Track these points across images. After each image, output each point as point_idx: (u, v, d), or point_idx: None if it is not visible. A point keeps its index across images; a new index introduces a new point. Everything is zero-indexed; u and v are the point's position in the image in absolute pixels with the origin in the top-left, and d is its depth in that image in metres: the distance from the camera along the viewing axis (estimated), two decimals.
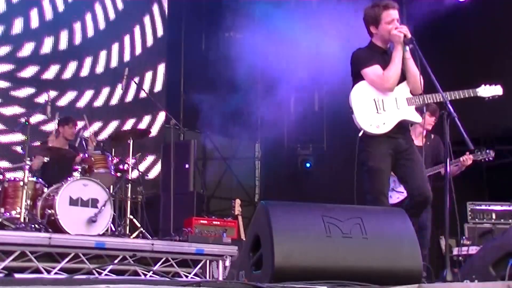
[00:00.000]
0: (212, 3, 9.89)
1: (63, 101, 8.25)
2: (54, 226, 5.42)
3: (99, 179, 5.86)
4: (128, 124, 8.80)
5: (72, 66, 8.46)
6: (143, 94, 8.81)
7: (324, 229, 3.03)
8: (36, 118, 7.09)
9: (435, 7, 8.07)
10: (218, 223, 7.05)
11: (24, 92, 7.91)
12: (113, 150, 6.59)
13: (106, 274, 4.90)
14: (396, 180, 4.71)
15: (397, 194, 5.59)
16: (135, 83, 8.04)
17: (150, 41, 9.40)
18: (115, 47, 8.96)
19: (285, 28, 8.09)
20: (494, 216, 7.13)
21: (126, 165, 6.51)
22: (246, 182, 10.37)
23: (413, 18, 7.91)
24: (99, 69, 8.75)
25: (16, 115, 7.68)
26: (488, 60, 8.01)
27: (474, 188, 8.33)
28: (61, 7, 8.42)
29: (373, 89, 4.22)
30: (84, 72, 8.59)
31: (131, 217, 6.24)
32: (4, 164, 7.24)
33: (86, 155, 6.21)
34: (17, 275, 4.25)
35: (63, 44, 8.41)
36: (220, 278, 5.30)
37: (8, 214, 5.61)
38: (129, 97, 8.95)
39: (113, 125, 8.70)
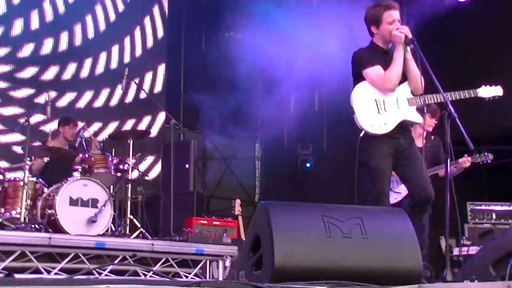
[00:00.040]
0: (212, 3, 9.89)
1: (62, 102, 8.25)
2: (54, 226, 5.41)
3: (99, 179, 5.86)
4: (128, 125, 8.79)
5: (71, 67, 8.46)
6: (143, 95, 8.81)
7: (324, 229, 3.03)
8: (35, 118, 7.08)
9: (435, 7, 8.07)
10: (218, 223, 7.05)
11: (24, 92, 7.91)
12: (113, 150, 6.59)
13: (106, 274, 4.89)
14: (394, 180, 4.72)
15: (395, 194, 5.60)
16: (135, 83, 8.03)
17: (150, 42, 9.40)
18: (115, 49, 8.96)
19: (285, 28, 8.09)
20: (494, 216, 7.12)
21: (126, 165, 6.51)
22: (246, 182, 10.38)
23: (413, 18, 7.92)
24: (99, 70, 8.75)
25: (15, 115, 7.68)
26: (488, 60, 8.01)
27: (474, 188, 8.33)
28: (61, 8, 8.42)
29: (374, 89, 4.22)
30: (84, 73, 8.59)
31: (131, 217, 6.25)
32: (4, 164, 7.23)
33: (86, 155, 6.21)
34: (17, 275, 4.25)
35: (63, 45, 8.41)
36: (220, 278, 5.30)
37: (8, 214, 5.61)
38: (129, 98, 8.95)
39: (112, 125, 8.69)
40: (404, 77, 4.25)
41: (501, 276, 3.35)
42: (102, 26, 8.87)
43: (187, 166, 8.20)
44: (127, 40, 9.12)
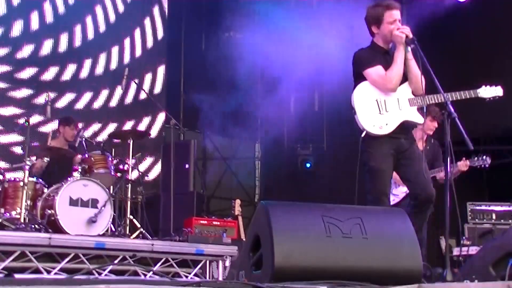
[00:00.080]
0: (212, 3, 9.88)
1: (62, 102, 8.24)
2: (54, 226, 5.41)
3: (99, 179, 5.85)
4: (128, 125, 8.78)
5: (71, 68, 8.45)
6: (143, 95, 8.81)
7: (324, 229, 3.02)
8: (35, 118, 7.08)
9: (435, 7, 8.06)
10: (218, 223, 7.05)
11: (23, 93, 7.91)
12: (113, 150, 6.59)
13: (106, 275, 4.89)
14: (392, 182, 4.71)
15: (393, 196, 5.61)
16: (135, 83, 8.03)
17: (150, 43, 9.39)
18: (115, 49, 8.95)
19: (285, 28, 8.09)
20: (494, 217, 7.13)
21: (126, 165, 6.51)
22: (246, 182, 10.37)
23: (413, 18, 7.91)
24: (99, 70, 8.74)
25: (15, 115, 7.68)
26: (488, 60, 8.01)
27: (474, 188, 8.34)
28: (61, 9, 8.41)
29: (376, 89, 4.22)
30: (84, 74, 8.58)
31: (131, 217, 6.24)
32: (4, 164, 7.23)
33: (86, 155, 6.21)
34: (17, 275, 4.25)
35: (63, 46, 8.41)
36: (220, 278, 5.30)
37: (8, 214, 5.60)
38: (129, 98, 8.95)
39: (112, 126, 8.69)
40: (405, 78, 4.25)
41: (501, 276, 3.35)
42: (102, 27, 8.86)
43: (187, 166, 8.20)
44: (127, 41, 9.11)
